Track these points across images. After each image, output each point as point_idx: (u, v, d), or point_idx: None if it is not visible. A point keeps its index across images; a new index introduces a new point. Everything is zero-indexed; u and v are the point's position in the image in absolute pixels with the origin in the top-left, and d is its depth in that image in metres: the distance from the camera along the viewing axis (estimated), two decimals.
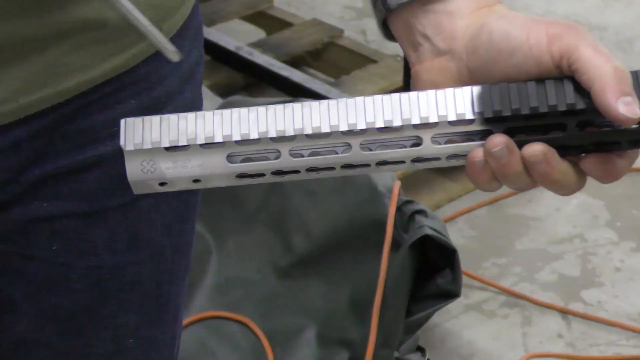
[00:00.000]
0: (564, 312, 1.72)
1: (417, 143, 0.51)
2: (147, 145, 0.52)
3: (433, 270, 1.52)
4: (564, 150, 0.50)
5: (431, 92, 0.52)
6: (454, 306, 1.64)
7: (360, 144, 0.51)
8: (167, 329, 0.83)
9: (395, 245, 1.49)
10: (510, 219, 1.87)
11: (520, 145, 0.50)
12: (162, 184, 0.54)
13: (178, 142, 0.52)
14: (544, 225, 1.94)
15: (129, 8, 0.56)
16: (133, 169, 0.53)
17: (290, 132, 0.51)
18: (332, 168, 0.53)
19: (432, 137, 0.51)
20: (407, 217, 1.50)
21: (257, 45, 2.31)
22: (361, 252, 1.56)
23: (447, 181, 1.87)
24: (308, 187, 1.57)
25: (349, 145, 0.51)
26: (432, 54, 0.56)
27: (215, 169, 0.53)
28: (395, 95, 0.51)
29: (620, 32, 2.71)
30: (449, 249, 1.50)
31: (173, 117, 0.53)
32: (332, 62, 2.40)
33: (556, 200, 1.93)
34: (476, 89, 0.51)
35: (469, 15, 0.54)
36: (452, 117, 0.50)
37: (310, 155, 0.53)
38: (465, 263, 1.66)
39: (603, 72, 0.48)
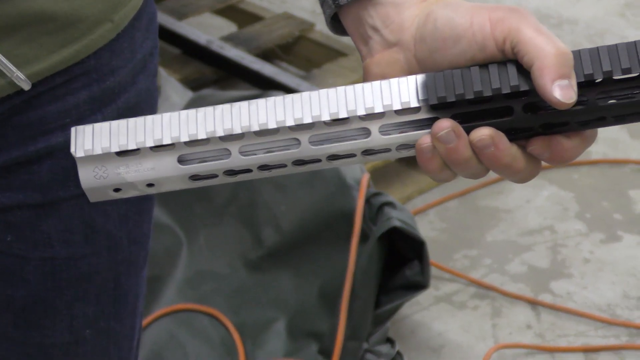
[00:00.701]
0: (534, 303, 1.73)
1: (366, 135, 0.51)
2: (98, 151, 0.52)
3: (401, 262, 1.54)
4: (513, 133, 0.50)
5: (376, 82, 0.52)
6: (424, 298, 1.67)
7: (309, 139, 0.51)
8: (125, 321, 0.83)
9: (364, 237, 1.51)
10: (480, 210, 1.89)
11: (469, 131, 0.50)
12: (116, 189, 0.54)
13: (128, 146, 0.52)
14: (514, 217, 1.94)
15: None
16: (86, 176, 0.53)
17: (237, 130, 0.51)
18: (284, 165, 0.53)
19: (379, 128, 0.51)
20: (375, 209, 1.51)
21: (228, 39, 2.30)
22: (330, 245, 1.57)
23: (418, 174, 1.89)
24: (277, 181, 1.59)
25: (298, 141, 0.51)
26: (382, 47, 0.56)
27: (167, 172, 0.53)
28: (341, 88, 0.51)
29: (591, 25, 2.71)
30: (417, 241, 1.51)
31: (122, 122, 0.53)
32: (303, 56, 2.38)
33: (526, 192, 1.95)
34: (420, 77, 0.51)
35: (417, 6, 0.54)
36: (397, 106, 0.50)
37: (261, 153, 0.53)
38: (435, 255, 1.72)
39: (543, 52, 0.48)
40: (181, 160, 0.53)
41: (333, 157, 0.52)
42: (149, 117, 0.53)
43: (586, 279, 1.80)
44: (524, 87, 0.49)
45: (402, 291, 1.56)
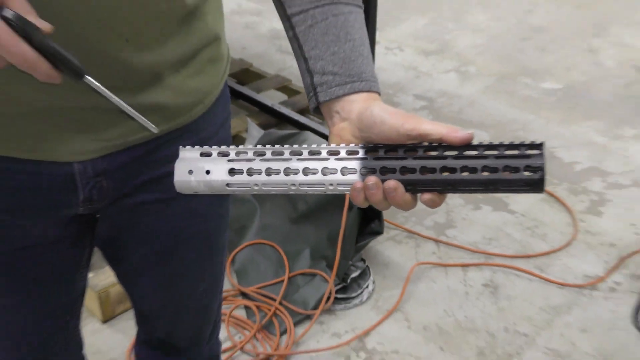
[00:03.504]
0: (437, 241, 2.03)
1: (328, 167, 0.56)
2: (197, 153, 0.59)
3: (369, 220, 1.82)
4: (410, 187, 0.55)
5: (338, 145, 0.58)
6: (381, 238, 1.94)
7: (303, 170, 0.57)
8: (222, 254, 0.91)
9: (350, 207, 1.74)
10: None
11: (383, 181, 0.54)
12: (190, 172, 0.58)
13: (211, 154, 0.59)
14: None
15: (116, 99, 0.58)
16: (181, 171, 0.59)
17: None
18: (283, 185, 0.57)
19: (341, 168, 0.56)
20: None
21: (282, 103, 2.47)
22: (333, 211, 1.78)
23: None
24: None
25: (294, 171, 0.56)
26: (339, 120, 0.61)
27: (219, 176, 0.58)
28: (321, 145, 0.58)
29: None
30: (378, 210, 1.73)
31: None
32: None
33: None
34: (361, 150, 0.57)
35: (362, 103, 0.60)
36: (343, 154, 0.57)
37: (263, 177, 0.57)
38: (387, 215, 2.03)
39: (445, 128, 0.55)
40: (231, 171, 0.57)
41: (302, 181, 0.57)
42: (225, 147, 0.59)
43: (464, 228, 2.08)
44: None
45: (370, 235, 1.84)
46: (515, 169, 0.53)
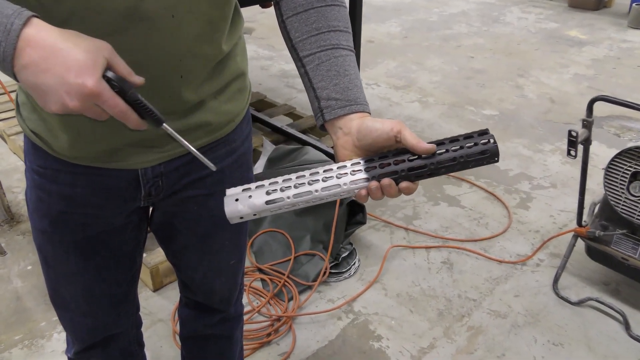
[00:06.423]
0: (406, 229, 1.97)
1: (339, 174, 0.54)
2: (240, 190, 0.55)
3: (355, 212, 1.80)
4: (395, 180, 0.54)
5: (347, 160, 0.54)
6: (364, 227, 1.95)
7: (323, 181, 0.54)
8: (246, 238, 0.90)
9: (341, 203, 1.73)
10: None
11: (379, 180, 0.53)
12: (236, 200, 0.55)
13: (251, 188, 0.55)
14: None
15: (184, 142, 0.56)
16: (230, 203, 0.55)
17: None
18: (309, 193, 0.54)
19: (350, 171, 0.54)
20: None
21: (290, 125, 2.46)
22: (329, 206, 1.75)
23: None
24: None
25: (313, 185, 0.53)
26: (343, 134, 0.60)
27: (260, 199, 0.54)
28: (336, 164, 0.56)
29: None
30: (362, 205, 1.76)
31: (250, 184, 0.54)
32: (317, 132, 2.41)
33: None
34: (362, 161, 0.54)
35: (357, 120, 0.60)
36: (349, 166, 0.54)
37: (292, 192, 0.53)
38: (370, 208, 2.03)
39: (416, 141, 0.55)
40: (267, 192, 0.55)
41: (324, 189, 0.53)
42: (259, 181, 0.55)
43: (427, 219, 2.03)
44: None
45: (356, 224, 1.81)
46: (475, 144, 0.54)
